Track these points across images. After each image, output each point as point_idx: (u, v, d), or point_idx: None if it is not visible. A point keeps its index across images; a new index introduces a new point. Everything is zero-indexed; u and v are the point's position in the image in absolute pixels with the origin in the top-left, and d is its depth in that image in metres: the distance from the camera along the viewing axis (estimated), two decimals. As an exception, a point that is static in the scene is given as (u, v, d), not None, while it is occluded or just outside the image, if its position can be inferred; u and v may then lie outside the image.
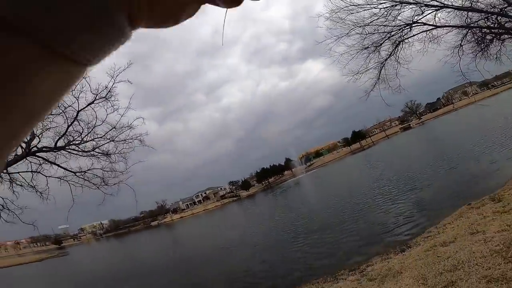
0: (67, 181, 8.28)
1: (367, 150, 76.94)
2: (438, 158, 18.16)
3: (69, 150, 8.50)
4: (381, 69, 9.11)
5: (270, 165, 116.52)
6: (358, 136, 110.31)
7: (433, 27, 8.36)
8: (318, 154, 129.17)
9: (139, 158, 8.96)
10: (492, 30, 8.08)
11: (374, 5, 8.25)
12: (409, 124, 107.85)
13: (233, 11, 0.26)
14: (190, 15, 0.23)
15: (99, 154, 8.69)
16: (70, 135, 8.34)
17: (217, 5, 0.23)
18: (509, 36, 7.92)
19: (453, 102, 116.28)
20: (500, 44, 8.40)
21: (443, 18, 8.49)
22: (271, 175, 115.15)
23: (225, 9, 0.25)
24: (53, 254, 67.79)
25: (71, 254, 57.78)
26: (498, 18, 7.84)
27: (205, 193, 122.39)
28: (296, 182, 64.41)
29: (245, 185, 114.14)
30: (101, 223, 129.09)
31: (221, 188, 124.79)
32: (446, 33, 8.67)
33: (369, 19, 8.43)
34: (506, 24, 7.75)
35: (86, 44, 0.18)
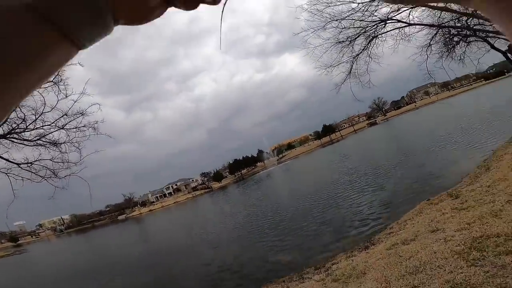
0: (6, 173, 7.30)
1: (336, 143, 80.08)
2: (399, 154, 19.18)
3: (11, 139, 7.49)
4: (353, 63, 9.40)
5: (242, 157, 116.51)
6: (328, 129, 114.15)
7: (406, 24, 8.66)
8: (290, 146, 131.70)
9: (102, 147, 8.14)
10: (460, 32, 8.49)
11: (353, 0, 8.34)
12: (375, 120, 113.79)
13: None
14: (159, 15, 0.31)
15: (47, 144, 7.82)
16: (14, 122, 7.32)
17: (178, 7, 0.30)
18: (475, 38, 8.36)
19: (415, 101, 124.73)
20: (465, 46, 8.91)
21: (416, 17, 8.82)
22: (243, 166, 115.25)
23: (221, 15, 0.34)
24: (8, 252, 65.49)
25: (29, 252, 54.37)
26: (468, 20, 8.23)
27: (176, 185, 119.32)
28: (268, 174, 65.30)
29: (217, 176, 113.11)
30: (61, 218, 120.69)
31: (192, 180, 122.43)
32: (418, 32, 9.06)
33: (347, 13, 8.56)
34: (474, 27, 8.16)
35: (86, 34, 0.26)
